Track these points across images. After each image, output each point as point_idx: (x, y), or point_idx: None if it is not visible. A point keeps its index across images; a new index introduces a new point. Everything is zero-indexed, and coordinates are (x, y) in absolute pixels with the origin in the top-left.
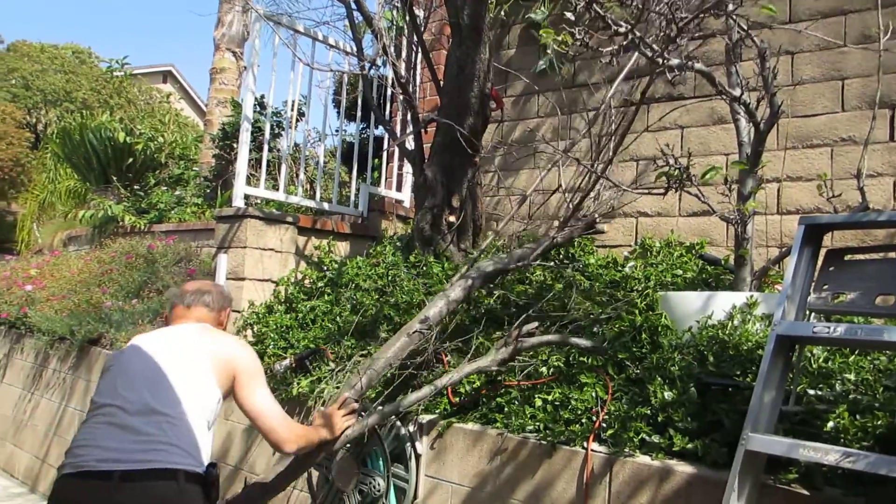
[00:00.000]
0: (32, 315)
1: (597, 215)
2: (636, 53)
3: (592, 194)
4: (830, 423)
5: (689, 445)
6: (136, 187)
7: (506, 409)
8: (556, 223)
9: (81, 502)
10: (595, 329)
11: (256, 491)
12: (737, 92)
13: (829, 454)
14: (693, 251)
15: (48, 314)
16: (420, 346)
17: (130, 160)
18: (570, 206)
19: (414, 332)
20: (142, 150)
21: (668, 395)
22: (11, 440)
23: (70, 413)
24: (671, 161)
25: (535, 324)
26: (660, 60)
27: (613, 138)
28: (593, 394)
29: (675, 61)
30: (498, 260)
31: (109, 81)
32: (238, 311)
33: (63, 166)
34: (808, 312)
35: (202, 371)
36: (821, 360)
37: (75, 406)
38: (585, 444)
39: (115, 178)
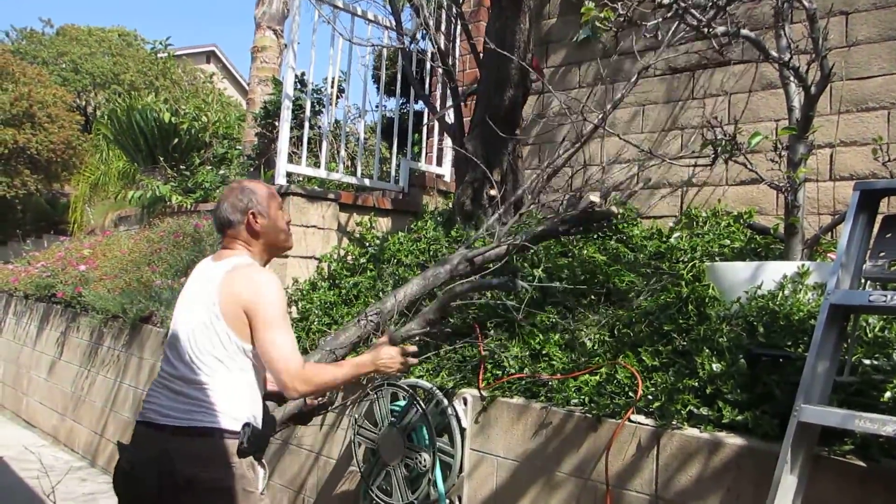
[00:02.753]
0: (87, 294)
1: (594, 200)
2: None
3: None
4: (888, 394)
5: (739, 417)
6: (181, 167)
7: (549, 382)
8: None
9: (145, 444)
10: (640, 301)
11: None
12: (786, 56)
13: (886, 425)
14: (741, 221)
15: (101, 293)
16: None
17: (176, 140)
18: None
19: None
20: (187, 130)
21: (716, 366)
22: (71, 415)
23: (125, 389)
24: (717, 130)
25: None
26: (705, 30)
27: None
28: (637, 368)
29: (720, 28)
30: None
31: (155, 63)
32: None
33: (113, 148)
34: (863, 281)
35: (222, 328)
36: (877, 329)
37: (129, 382)
38: (628, 418)
39: (161, 159)
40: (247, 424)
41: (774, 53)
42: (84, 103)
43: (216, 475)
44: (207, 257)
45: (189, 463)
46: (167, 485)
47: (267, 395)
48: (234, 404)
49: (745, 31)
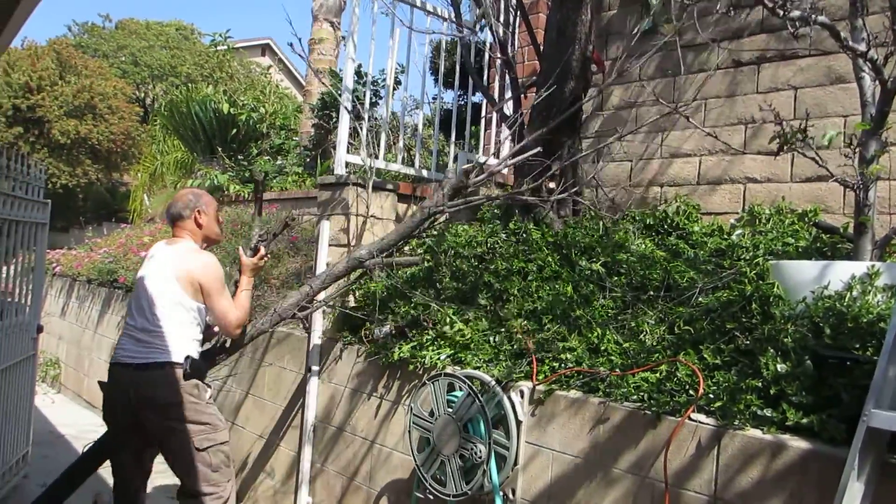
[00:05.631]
0: None
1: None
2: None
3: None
4: None
5: (804, 420)
6: (239, 157)
7: (608, 378)
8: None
9: (118, 379)
10: (700, 298)
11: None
12: (862, 47)
13: None
14: (806, 219)
15: None
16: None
17: (234, 131)
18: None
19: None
20: (244, 121)
21: (780, 367)
22: None
23: None
24: (784, 123)
25: None
26: (780, 13)
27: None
28: (698, 365)
29: (795, 13)
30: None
31: (212, 56)
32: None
33: (171, 138)
34: None
35: (176, 292)
36: None
37: None
38: (688, 416)
39: (219, 149)
40: (187, 357)
41: (850, 43)
42: (143, 95)
43: (168, 393)
44: (161, 241)
45: (147, 387)
46: (134, 405)
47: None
48: (179, 345)
49: (821, 18)
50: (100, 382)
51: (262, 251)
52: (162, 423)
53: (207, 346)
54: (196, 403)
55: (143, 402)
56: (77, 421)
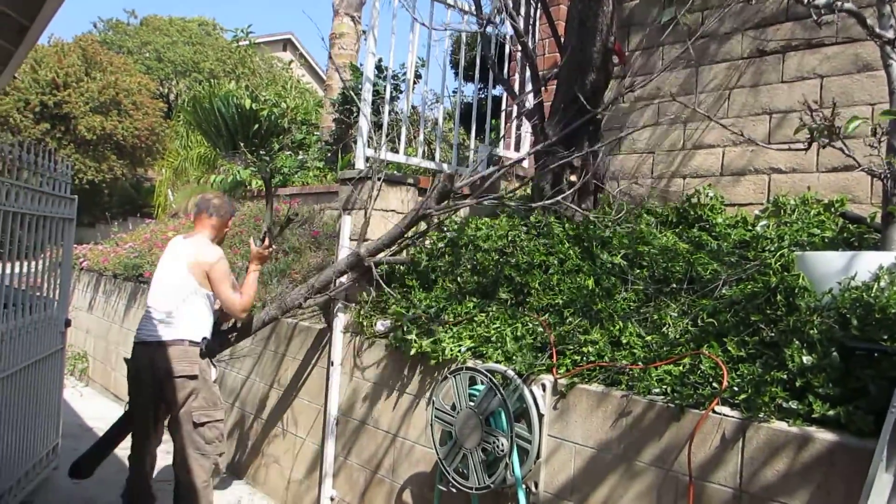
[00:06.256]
0: None
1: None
2: None
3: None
4: None
5: (831, 412)
6: (261, 152)
7: (630, 371)
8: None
9: (141, 356)
10: (724, 290)
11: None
12: (890, 34)
13: None
14: (832, 209)
15: None
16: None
17: (256, 126)
18: None
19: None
20: (266, 117)
21: (806, 359)
22: None
23: None
24: (813, 113)
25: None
26: (805, 0)
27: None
28: (722, 358)
29: (821, 0)
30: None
31: (234, 52)
32: None
33: (194, 134)
34: None
35: (188, 280)
36: None
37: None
38: (712, 409)
39: (241, 144)
40: (204, 338)
41: (877, 30)
42: (166, 91)
43: (186, 368)
44: (179, 236)
45: (167, 362)
46: (157, 378)
47: (223, 316)
48: (195, 326)
49: (847, 5)
50: (125, 359)
51: (268, 241)
52: (175, 393)
53: (226, 326)
54: (206, 380)
55: (163, 374)
56: (105, 414)
